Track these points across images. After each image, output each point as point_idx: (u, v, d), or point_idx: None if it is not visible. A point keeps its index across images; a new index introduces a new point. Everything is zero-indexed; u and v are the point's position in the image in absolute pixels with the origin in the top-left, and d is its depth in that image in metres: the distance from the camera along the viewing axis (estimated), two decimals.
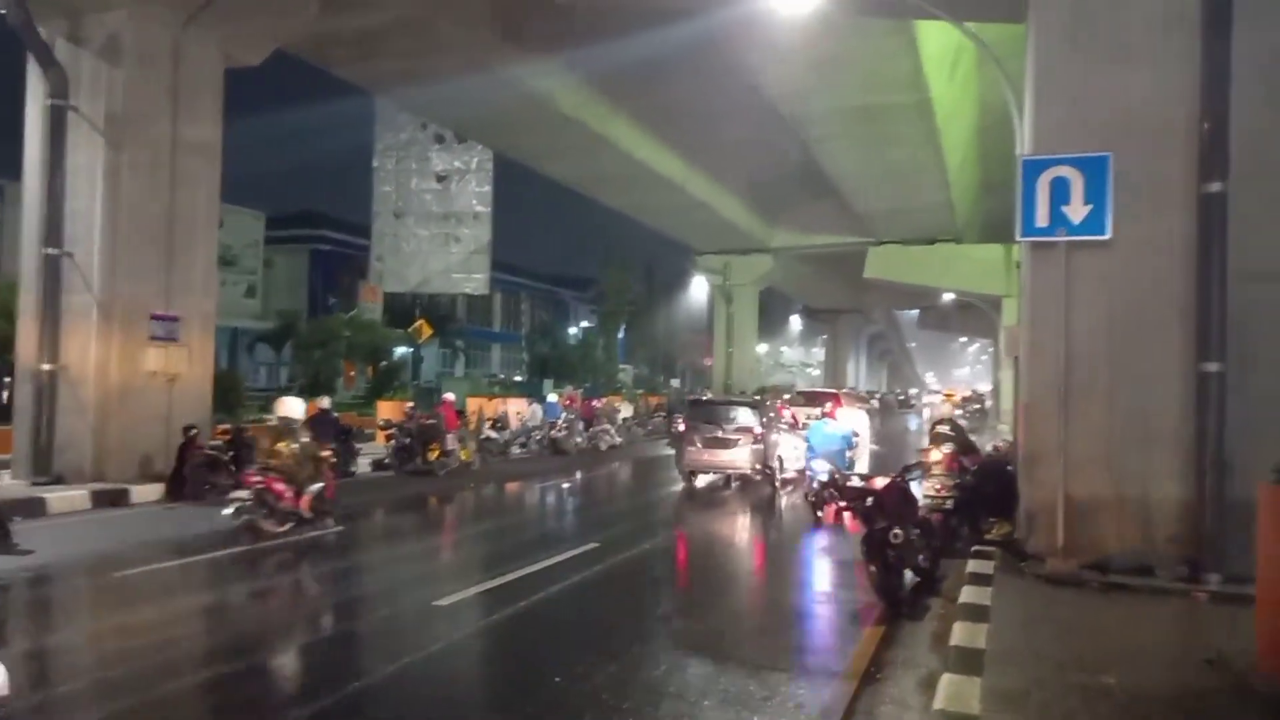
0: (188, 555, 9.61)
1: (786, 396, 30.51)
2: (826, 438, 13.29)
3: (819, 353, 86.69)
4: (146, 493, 13.38)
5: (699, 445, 16.03)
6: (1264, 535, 5.24)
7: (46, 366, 13.57)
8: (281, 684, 5.75)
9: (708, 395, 28.28)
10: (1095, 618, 6.89)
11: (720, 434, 15.96)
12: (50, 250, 13.55)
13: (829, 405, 17.62)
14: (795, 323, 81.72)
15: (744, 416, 16.26)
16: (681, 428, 17.30)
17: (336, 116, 68.92)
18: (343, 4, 16.20)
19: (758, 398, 22.93)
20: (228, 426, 15.67)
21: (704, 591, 8.33)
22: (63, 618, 7.84)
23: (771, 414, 17.58)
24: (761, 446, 15.84)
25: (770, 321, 65.54)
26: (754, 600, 8.08)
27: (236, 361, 41.20)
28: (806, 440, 14.17)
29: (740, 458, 15.76)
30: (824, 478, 10.38)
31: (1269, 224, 7.80)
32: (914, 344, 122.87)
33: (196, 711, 5.43)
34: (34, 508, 11.78)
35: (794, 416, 21.57)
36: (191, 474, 13.61)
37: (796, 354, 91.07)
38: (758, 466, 15.87)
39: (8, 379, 16.97)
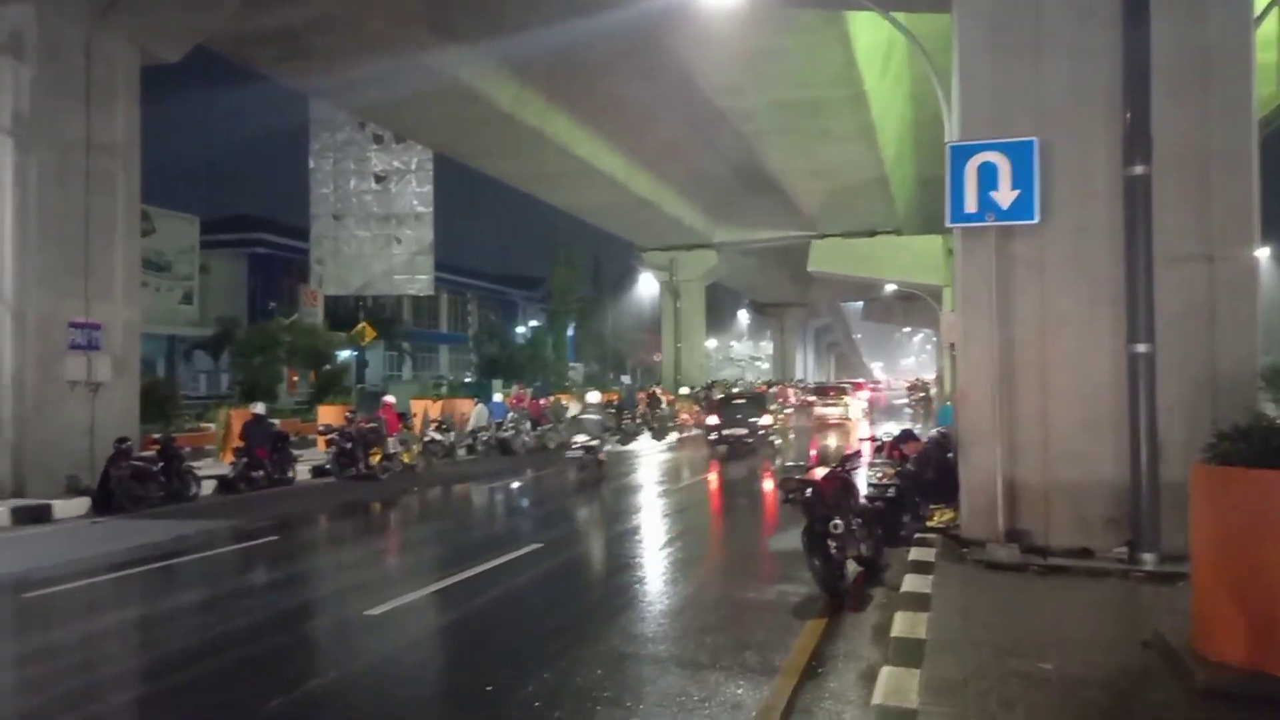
0: (110, 571, 9.20)
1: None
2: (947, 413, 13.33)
3: (768, 346, 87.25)
4: (71, 508, 12.88)
5: (723, 423, 23.69)
6: (1197, 515, 5.23)
7: None
8: (198, 703, 5.46)
9: (733, 390, 36.34)
10: (1035, 602, 6.87)
11: (739, 416, 23.70)
12: None
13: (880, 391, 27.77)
14: (743, 317, 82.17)
15: (753, 404, 24.97)
16: (713, 418, 24.47)
17: (272, 116, 67.53)
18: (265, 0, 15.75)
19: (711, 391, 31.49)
20: (158, 437, 15.15)
21: (646, 590, 8.18)
22: None
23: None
24: (770, 419, 24.74)
25: (718, 317, 65.79)
26: (697, 597, 7.94)
27: (174, 370, 40.09)
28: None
29: (749, 429, 23.25)
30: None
31: (1182, 208, 7.90)
32: (859, 335, 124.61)
33: None
34: None
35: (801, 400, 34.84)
36: (119, 486, 13.14)
37: (745, 348, 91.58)
38: (761, 432, 23.52)
39: None
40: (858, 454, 10.14)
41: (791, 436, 28.23)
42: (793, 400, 41.07)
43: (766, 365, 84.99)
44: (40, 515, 12.45)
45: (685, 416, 33.10)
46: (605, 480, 16.60)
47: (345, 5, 17.30)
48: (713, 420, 24.21)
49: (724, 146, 30.11)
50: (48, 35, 13.25)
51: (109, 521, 12.41)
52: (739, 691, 5.37)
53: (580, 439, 16.60)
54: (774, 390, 40.17)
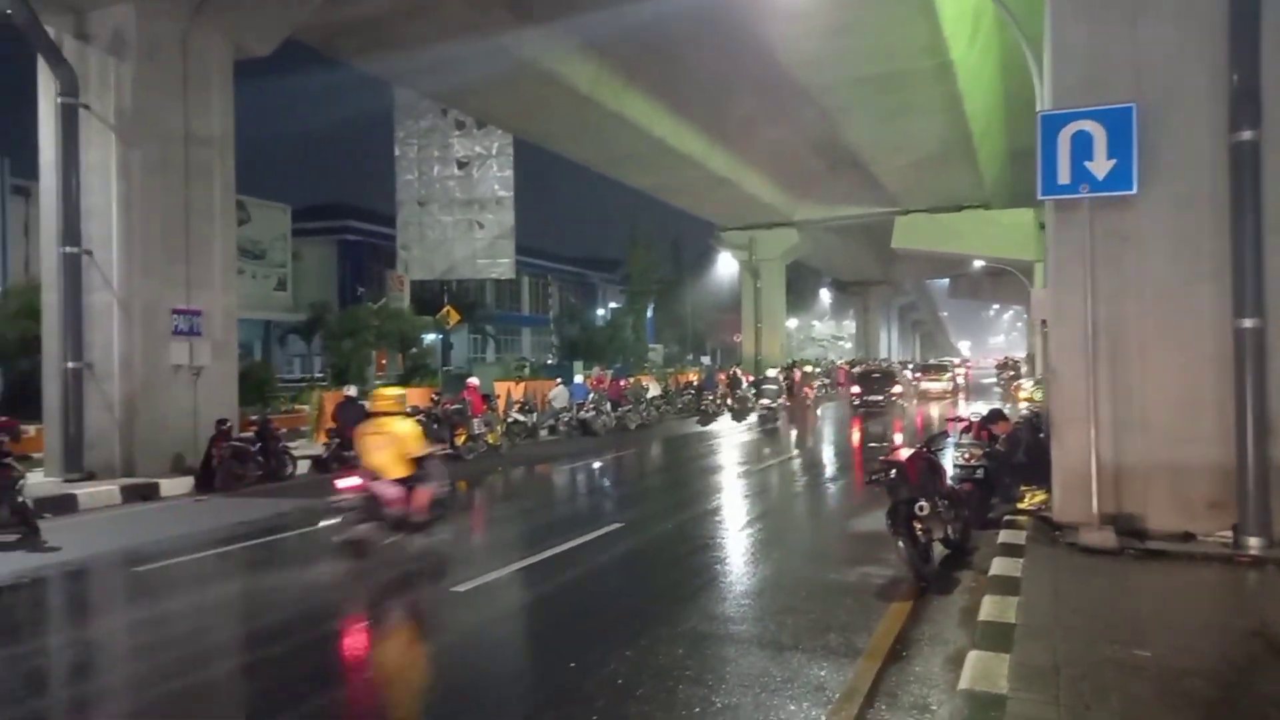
0: (214, 546, 9.63)
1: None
2: None
3: (850, 325, 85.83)
4: (176, 486, 13.49)
5: (863, 391, 32.06)
6: None
7: (72, 364, 13.69)
8: (295, 672, 5.67)
9: (867, 366, 41.47)
10: (1132, 588, 6.63)
11: (875, 387, 32.05)
12: (69, 249, 13.64)
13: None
14: (825, 296, 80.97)
15: (885, 379, 33.11)
16: (856, 388, 32.91)
17: (359, 105, 69.12)
18: None
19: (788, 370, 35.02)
20: (255, 418, 15.74)
21: (726, 570, 8.17)
22: (88, 612, 7.87)
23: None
24: (899, 389, 33.47)
25: (799, 296, 64.95)
26: (778, 577, 7.90)
27: (269, 354, 41.57)
28: None
29: (884, 395, 31.60)
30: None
31: None
32: (946, 313, 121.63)
33: (220, 698, 5.38)
34: (65, 505, 11.91)
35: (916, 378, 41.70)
36: (220, 466, 13.71)
37: (827, 328, 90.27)
38: (892, 398, 31.92)
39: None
40: (944, 434, 9.90)
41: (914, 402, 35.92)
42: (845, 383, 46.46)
43: (849, 345, 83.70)
44: (148, 493, 13.09)
45: (808, 390, 35.84)
46: (688, 462, 16.67)
47: None
48: (856, 389, 32.85)
49: (804, 122, 29.62)
50: (146, 33, 13.79)
51: (211, 499, 12.98)
52: (822, 673, 5.34)
53: (765, 401, 25.47)
54: (859, 369, 42.05)
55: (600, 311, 60.88)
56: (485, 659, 5.99)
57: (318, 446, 17.08)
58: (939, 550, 7.84)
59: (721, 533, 10.13)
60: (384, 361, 40.79)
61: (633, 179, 36.41)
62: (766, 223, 44.01)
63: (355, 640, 6.41)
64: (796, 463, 17.51)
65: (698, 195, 38.88)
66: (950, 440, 10.81)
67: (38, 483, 13.14)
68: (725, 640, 6.07)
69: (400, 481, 8.30)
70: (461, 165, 36.76)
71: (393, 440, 8.44)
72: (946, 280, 77.74)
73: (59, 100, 13.54)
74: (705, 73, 25.64)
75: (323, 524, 10.38)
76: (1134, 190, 7.67)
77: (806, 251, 49.45)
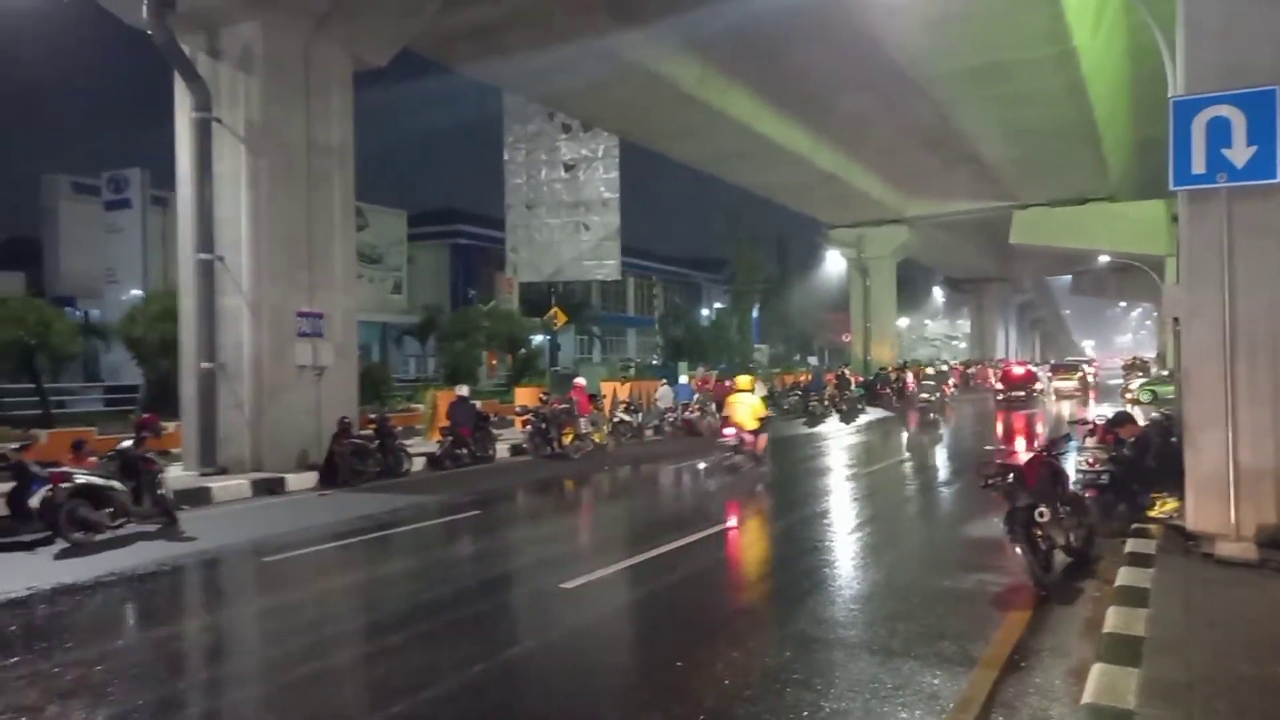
0: (335, 539, 10.05)
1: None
2: None
3: (965, 324, 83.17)
4: (301, 481, 14.12)
5: (1007, 387, 34.66)
6: None
7: (206, 365, 14.50)
8: (409, 663, 5.85)
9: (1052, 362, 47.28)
10: (1273, 602, 6.21)
11: (1018, 383, 34.80)
12: (203, 255, 14.45)
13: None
14: (938, 294, 78.70)
15: (1026, 374, 36.52)
16: (1000, 384, 35.92)
17: (470, 113, 70.95)
18: (459, 0, 16.51)
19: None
20: (374, 416, 16.34)
21: (835, 574, 8.04)
22: (223, 599, 8.33)
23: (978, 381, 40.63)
24: (1040, 385, 37.36)
25: (910, 294, 63.34)
26: (888, 582, 7.72)
27: (386, 354, 43.13)
28: None
29: (1026, 391, 34.36)
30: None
31: None
32: (1068, 311, 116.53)
33: (343, 682, 5.60)
34: (200, 497, 12.63)
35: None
36: (341, 462, 14.29)
37: (940, 327, 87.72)
38: (1033, 393, 34.77)
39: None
40: (1066, 437, 9.49)
41: (1053, 398, 37.43)
42: (992, 381, 46.15)
43: (963, 344, 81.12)
44: (275, 487, 13.76)
45: (945, 388, 35.80)
46: (795, 463, 16.52)
47: None
48: (1000, 385, 36.04)
49: (914, 116, 28.86)
50: (272, 48, 14.49)
51: (333, 494, 13.55)
52: (935, 681, 5.19)
53: (924, 395, 28.59)
54: (973, 370, 42.33)
55: (705, 311, 60.79)
56: (591, 656, 6.06)
57: (432, 444, 17.61)
58: (1060, 558, 7.52)
59: (830, 535, 9.97)
60: (494, 362, 41.77)
61: (737, 177, 36.21)
62: (875, 220, 43.08)
63: (466, 633, 6.58)
64: (909, 465, 17.10)
65: (803, 193, 38.37)
66: (1073, 444, 10.35)
67: (176, 476, 13.98)
68: (834, 644, 5.97)
69: (752, 431, 14.64)
70: (568, 168, 37.27)
71: (748, 406, 14.90)
72: (1068, 277, 74.47)
73: (193, 115, 14.36)
74: (810, 69, 25.28)
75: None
76: (1277, 179, 7.18)
77: (917, 249, 48.18)
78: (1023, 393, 34.19)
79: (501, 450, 18.07)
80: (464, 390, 18.11)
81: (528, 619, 7.04)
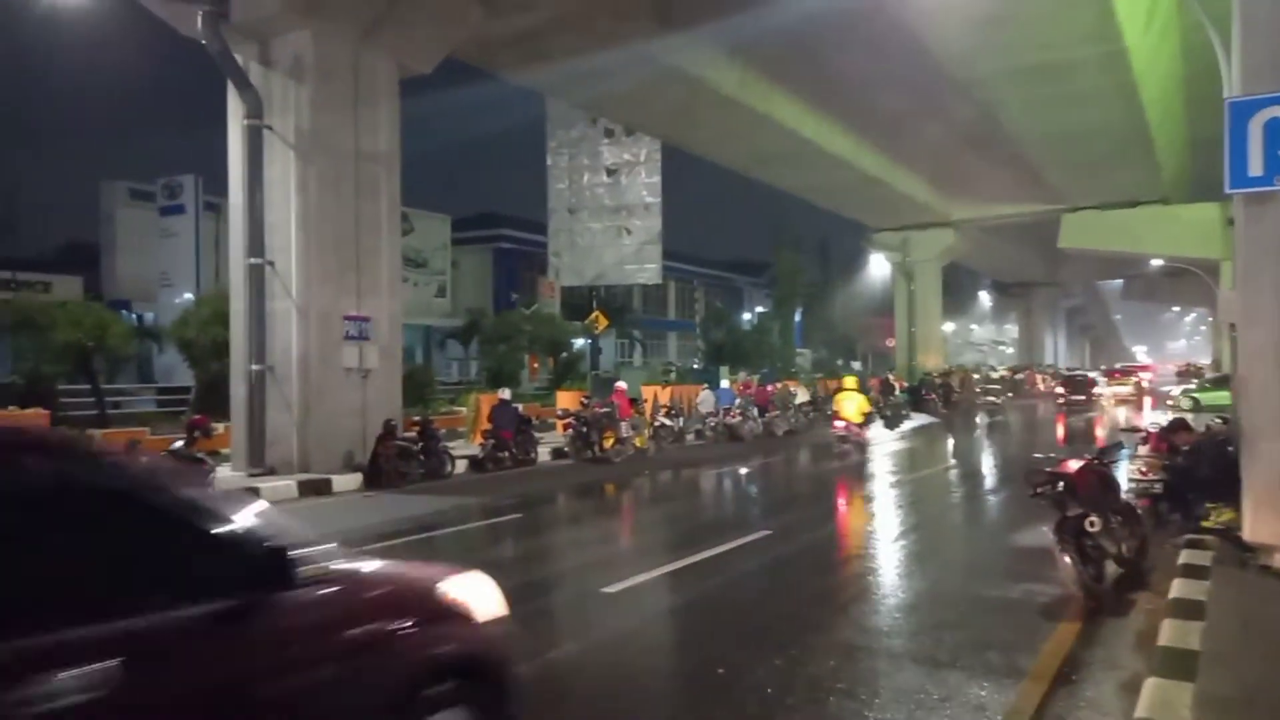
0: (379, 540, 10.17)
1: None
2: None
3: (1012, 329, 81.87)
4: (346, 482, 14.31)
5: (1067, 391, 37.73)
6: None
7: (255, 367, 14.77)
8: None
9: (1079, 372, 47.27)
10: None
11: (1077, 386, 38.20)
12: (253, 260, 14.73)
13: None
14: (984, 299, 77.60)
15: (1084, 382, 39.33)
16: (1060, 389, 38.95)
17: (513, 118, 71.46)
18: (503, 8, 16.67)
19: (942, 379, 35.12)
20: (417, 419, 16.52)
21: (879, 582, 7.95)
22: None
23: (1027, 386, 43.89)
24: (1098, 389, 39.43)
25: (956, 298, 62.54)
26: (934, 590, 7.62)
27: (429, 357, 43.57)
28: None
29: (1085, 395, 37.50)
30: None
31: None
32: (1119, 316, 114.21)
33: None
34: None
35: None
36: (386, 463, 14.46)
37: (987, 332, 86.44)
38: (1091, 397, 37.28)
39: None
40: (1118, 445, 9.28)
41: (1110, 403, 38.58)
42: (1040, 387, 49.25)
43: (1010, 349, 79.90)
44: (321, 488, 13.97)
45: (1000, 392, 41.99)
46: (839, 470, 16.42)
47: (575, 4, 18.00)
48: (1060, 390, 38.92)
49: (960, 118, 28.52)
50: (322, 57, 14.73)
51: (378, 495, 13.71)
52: (981, 693, 5.10)
53: (991, 399, 33.71)
54: (1020, 376, 43.75)
55: (746, 316, 60.54)
56: (633, 661, 6.06)
57: (474, 447, 17.75)
58: (1112, 569, 7.36)
59: (874, 542, 9.87)
60: (535, 365, 42.00)
61: (780, 181, 36.05)
62: (920, 223, 42.62)
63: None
64: (954, 472, 16.87)
65: (847, 196, 38.10)
66: (1125, 452, 10.12)
67: (225, 476, 14.25)
68: (878, 653, 5.90)
69: (858, 424, 18.61)
70: (610, 173, 37.40)
71: (855, 402, 18.79)
72: (1119, 281, 73.03)
73: (245, 122, 14.65)
74: (854, 71, 25.11)
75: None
76: None
77: (964, 252, 47.58)
78: (1082, 397, 37.11)
79: (543, 453, 18.16)
80: (506, 393, 18.23)
81: (570, 622, 7.06)
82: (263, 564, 2.73)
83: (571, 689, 5.54)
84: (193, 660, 2.60)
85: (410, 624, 3.23)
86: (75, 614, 2.39)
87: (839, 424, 18.74)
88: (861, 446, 18.58)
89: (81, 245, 41.60)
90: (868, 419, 19.22)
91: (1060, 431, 25.69)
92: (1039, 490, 7.20)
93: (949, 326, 60.61)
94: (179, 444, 10.91)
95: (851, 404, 18.76)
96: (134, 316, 33.51)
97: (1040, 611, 6.79)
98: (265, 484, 13.49)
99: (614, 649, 6.26)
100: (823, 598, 7.57)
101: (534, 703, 5.25)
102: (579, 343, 40.10)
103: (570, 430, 18.46)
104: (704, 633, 6.62)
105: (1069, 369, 58.54)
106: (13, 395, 17.94)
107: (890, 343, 50.80)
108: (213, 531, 2.76)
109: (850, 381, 20.29)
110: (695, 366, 47.43)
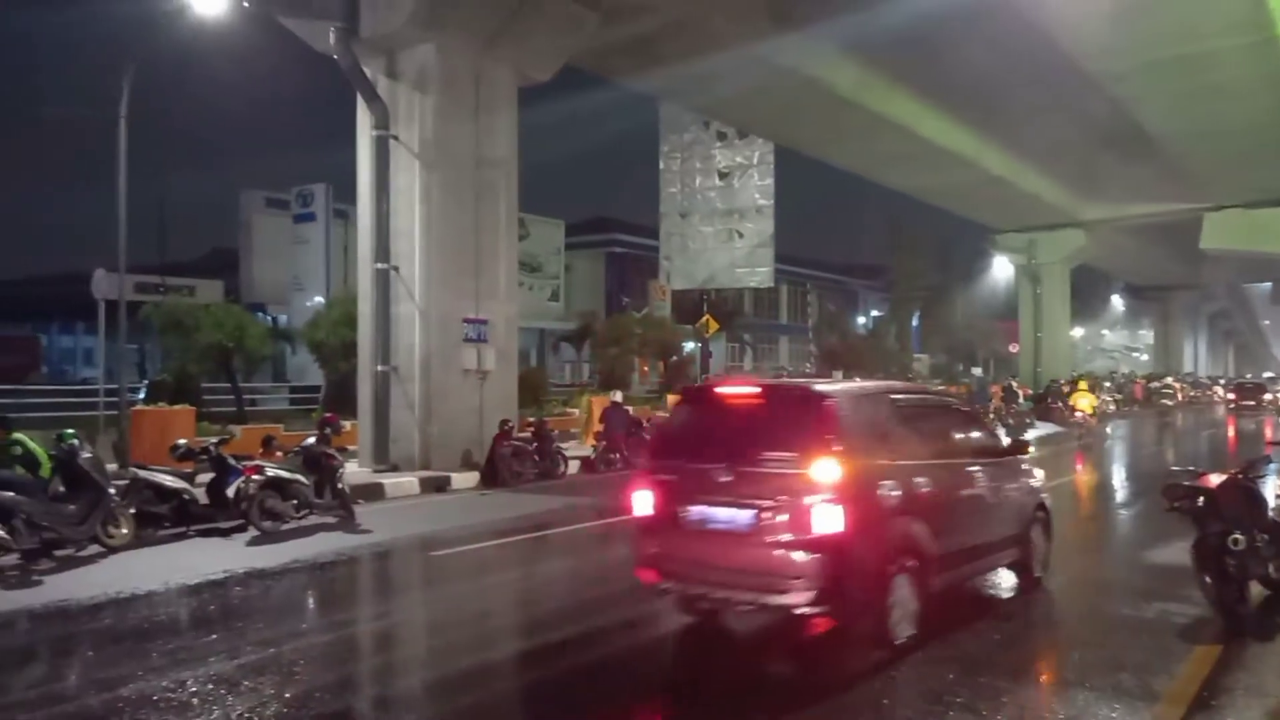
0: (496, 537, 10.45)
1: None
2: None
3: (1148, 335, 77.62)
4: (464, 480, 14.73)
5: (1239, 397, 41.21)
6: None
7: (381, 367, 15.38)
8: (574, 659, 6.00)
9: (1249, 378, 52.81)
10: None
11: (1249, 393, 41.05)
12: (380, 265, 15.34)
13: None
14: (1116, 303, 73.86)
15: (1256, 388, 42.01)
16: (1232, 395, 43.23)
17: (626, 123, 72.13)
18: (619, 14, 16.86)
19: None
20: (532, 420, 16.86)
21: (1000, 595, 7.66)
22: (397, 588, 8.84)
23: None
24: (1270, 396, 40.21)
25: (1085, 302, 59.75)
26: (1061, 606, 7.32)
27: (543, 360, 44.43)
28: None
29: (1256, 401, 39.22)
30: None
31: None
32: (1267, 322, 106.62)
33: (494, 676, 5.83)
34: (374, 492, 13.39)
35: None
36: (502, 463, 14.82)
37: (1119, 337, 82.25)
38: (1264, 403, 38.98)
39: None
40: (1265, 459, 8.70)
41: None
42: (1180, 396, 48.68)
43: (1145, 356, 75.77)
44: (441, 485, 14.43)
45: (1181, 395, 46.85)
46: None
47: (691, 7, 18.07)
48: (1231, 395, 43.40)
49: (1091, 114, 27.25)
50: (445, 68, 15.23)
51: (494, 494, 14.07)
52: (1112, 715, 4.87)
53: (1164, 400, 40.07)
54: (1155, 385, 46.70)
55: (861, 319, 59.39)
56: (746, 664, 6.03)
57: (586, 448, 18.00)
58: (1257, 590, 6.90)
59: None
60: (646, 368, 42.26)
61: (897, 182, 35.25)
62: (1047, 224, 40.91)
63: (627, 633, 6.69)
64: (1085, 482, 16.14)
65: (968, 196, 36.93)
66: (1274, 466, 9.47)
67: (352, 472, 14.84)
68: (1000, 669, 5.70)
69: (1091, 415, 24.42)
70: (723, 176, 37.29)
71: (1088, 399, 24.97)
72: (1268, 284, 68.30)
73: (373, 133, 15.29)
74: (977, 68, 24.31)
75: None
76: None
77: (1095, 254, 45.49)
78: (1252, 402, 39.87)
79: None
80: (618, 396, 18.41)
81: (684, 622, 7.08)
82: (1012, 446, 8.11)
83: (693, 687, 5.57)
84: (1004, 470, 7.47)
85: (1035, 480, 8.03)
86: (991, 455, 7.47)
87: (1078, 415, 24.50)
88: (1095, 433, 24.25)
89: (222, 251, 44.21)
90: (1096, 411, 25.59)
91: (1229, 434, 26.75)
92: (1176, 505, 6.82)
93: (1078, 332, 57.97)
94: (311, 440, 11.44)
95: (1085, 400, 25.08)
96: (269, 319, 35.34)
97: (1177, 633, 6.43)
98: (389, 480, 14.03)
99: (724, 651, 6.25)
100: (943, 610, 7.33)
101: (661, 696, 5.30)
102: (689, 346, 40.14)
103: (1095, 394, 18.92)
104: (822, 642, 6.46)
105: (1148, 376, 56.60)
106: (164, 392, 19.18)
107: (1014, 348, 48.93)
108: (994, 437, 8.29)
109: (1084, 384, 28.13)
110: (807, 370, 46.80)
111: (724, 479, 5.68)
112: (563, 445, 17.34)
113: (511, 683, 5.85)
